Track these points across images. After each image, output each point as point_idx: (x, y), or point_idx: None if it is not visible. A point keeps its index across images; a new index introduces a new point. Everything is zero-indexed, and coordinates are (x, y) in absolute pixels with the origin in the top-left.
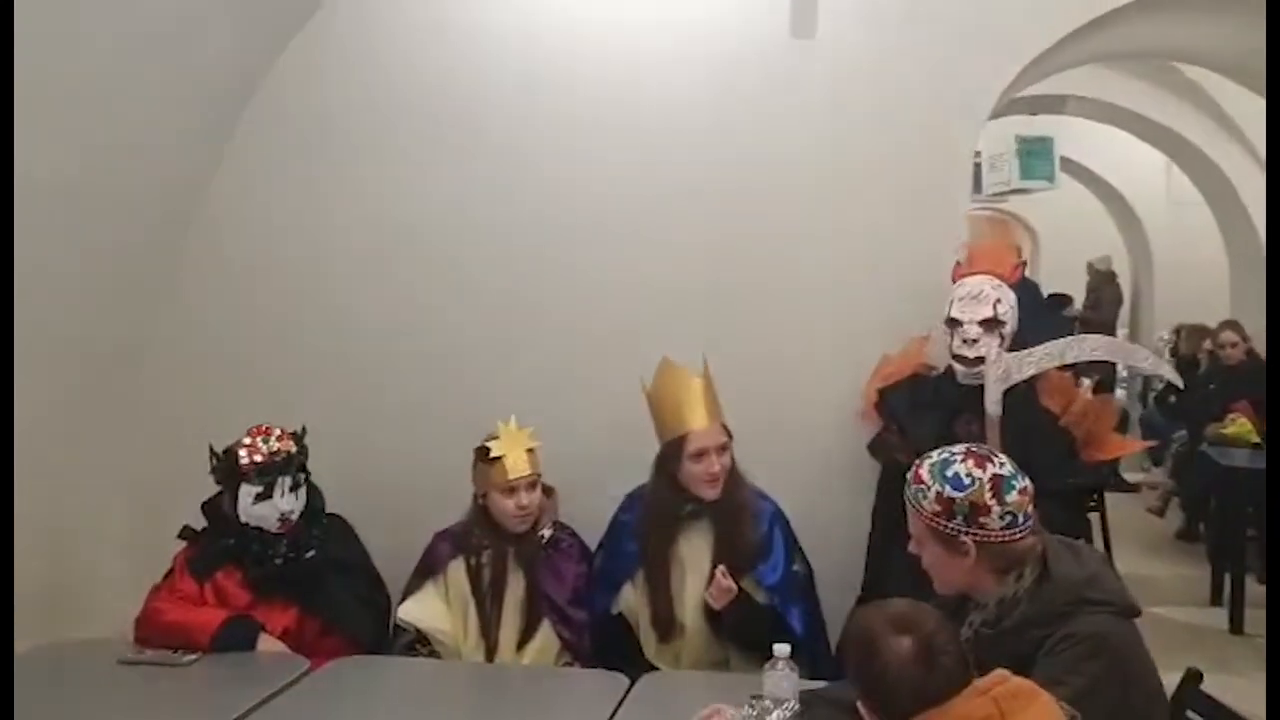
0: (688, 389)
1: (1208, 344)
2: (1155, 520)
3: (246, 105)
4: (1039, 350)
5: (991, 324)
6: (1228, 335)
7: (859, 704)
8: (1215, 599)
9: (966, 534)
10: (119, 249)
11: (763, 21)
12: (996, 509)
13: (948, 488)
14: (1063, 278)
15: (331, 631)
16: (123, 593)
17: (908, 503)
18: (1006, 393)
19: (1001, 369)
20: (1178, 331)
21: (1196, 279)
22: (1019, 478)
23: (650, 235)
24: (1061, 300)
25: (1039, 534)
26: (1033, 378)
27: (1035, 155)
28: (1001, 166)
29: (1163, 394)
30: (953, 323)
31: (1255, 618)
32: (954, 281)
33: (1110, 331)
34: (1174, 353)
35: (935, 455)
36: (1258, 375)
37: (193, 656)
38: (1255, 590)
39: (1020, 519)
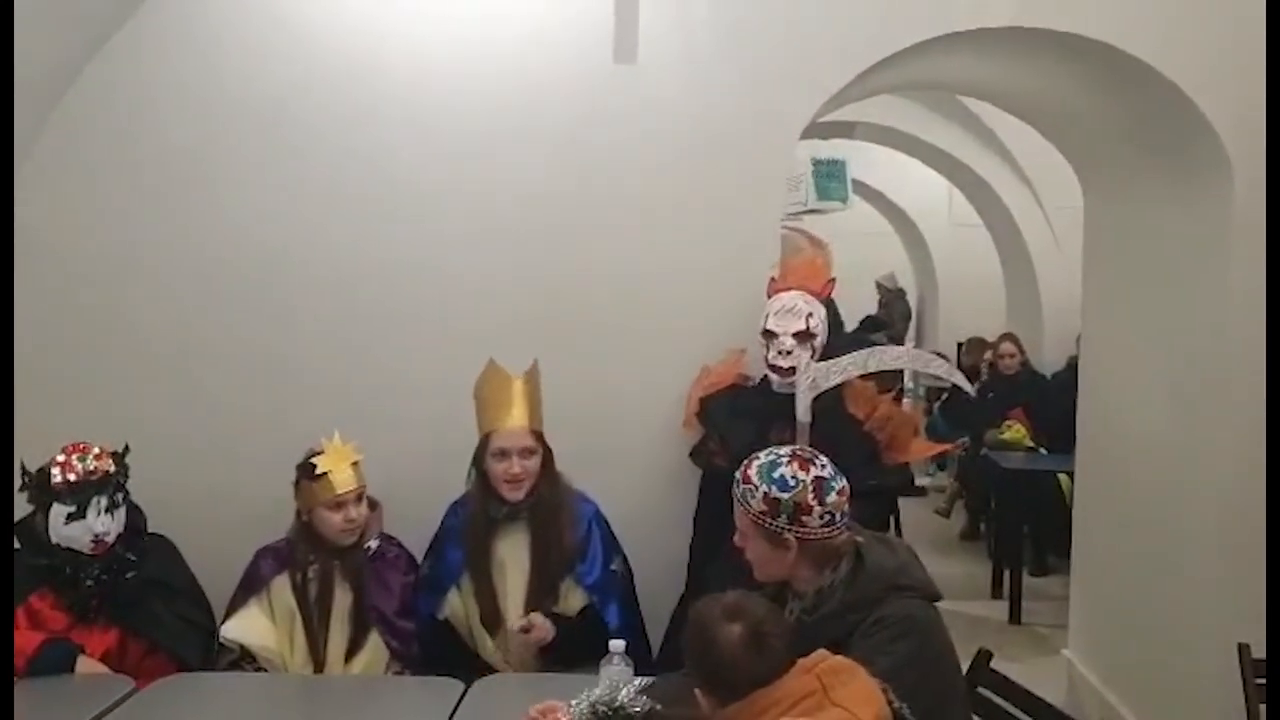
0: (504, 389)
1: (988, 355)
2: (942, 521)
3: (55, 108)
4: (844, 360)
5: (804, 336)
6: (1006, 347)
7: (696, 690)
8: (995, 593)
9: (789, 531)
10: None
11: (587, 46)
12: (818, 509)
13: (774, 488)
14: (853, 294)
15: (155, 653)
16: None
17: (736, 500)
18: (816, 400)
19: (810, 378)
20: (960, 345)
21: (976, 295)
22: (838, 479)
23: (477, 248)
24: (876, 322)
25: (854, 529)
26: (841, 387)
27: (830, 177)
28: (799, 187)
29: (946, 402)
30: (768, 335)
31: (1031, 609)
32: (769, 296)
33: (901, 345)
34: (959, 364)
35: (764, 456)
36: (1032, 384)
37: None
38: (1030, 584)
39: (838, 517)
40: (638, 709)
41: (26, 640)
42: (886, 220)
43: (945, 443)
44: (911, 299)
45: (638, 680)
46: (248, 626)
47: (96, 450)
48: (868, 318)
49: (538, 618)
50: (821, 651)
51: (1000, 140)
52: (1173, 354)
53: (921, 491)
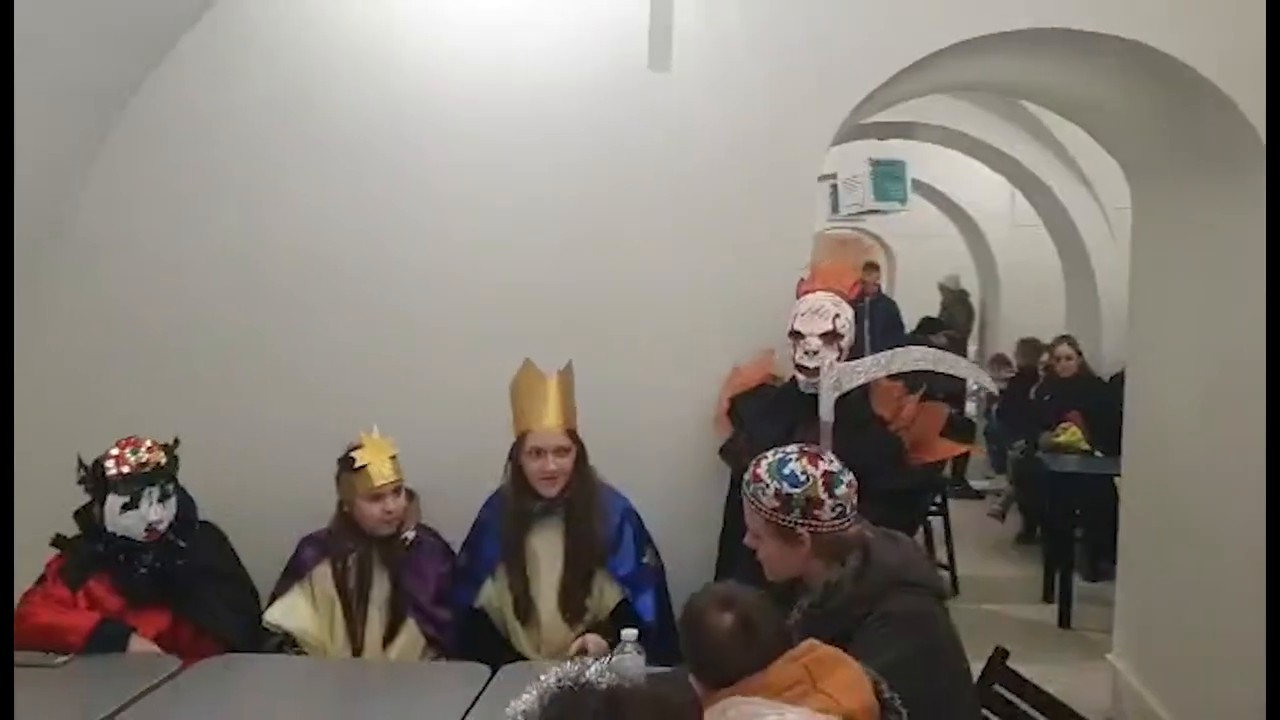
0: (540, 389)
1: (1045, 358)
2: (996, 524)
3: (115, 121)
4: (868, 360)
5: (830, 337)
6: (1063, 349)
7: (690, 676)
8: (1047, 597)
9: (802, 525)
10: None
11: (621, 54)
12: (829, 502)
13: (785, 484)
14: (916, 295)
15: (204, 635)
16: None
17: (746, 499)
18: (842, 400)
19: (833, 378)
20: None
21: (1038, 296)
22: (846, 472)
23: (514, 251)
24: (935, 323)
25: (862, 524)
26: (867, 387)
27: (889, 177)
28: (857, 188)
29: (1003, 406)
30: (795, 335)
31: (1082, 613)
32: (798, 297)
33: (963, 347)
34: (1016, 366)
35: (771, 455)
36: (1088, 386)
37: (65, 658)
38: (1083, 588)
39: (848, 509)
40: (603, 684)
41: (84, 620)
42: (949, 220)
43: (1002, 447)
44: (974, 300)
45: (656, 669)
46: (290, 612)
47: (148, 443)
48: (926, 318)
49: (591, 641)
50: (810, 642)
51: (1058, 140)
52: (1216, 355)
53: (979, 494)
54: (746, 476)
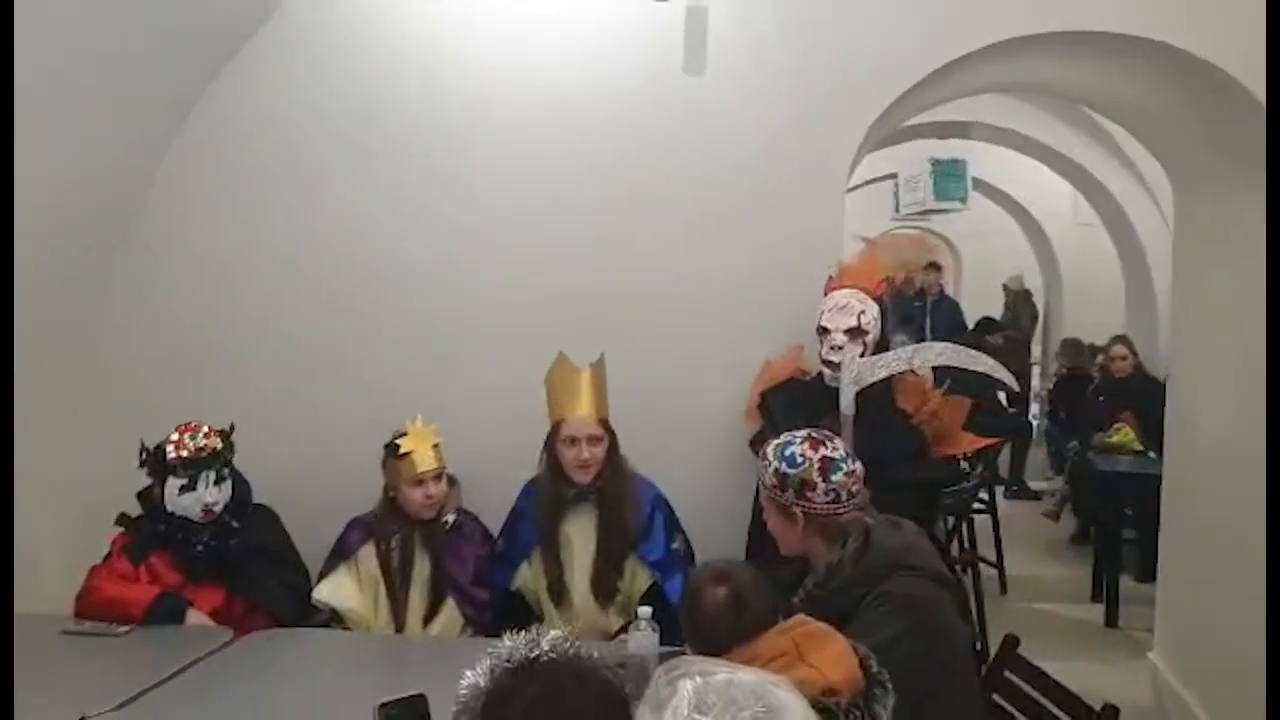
0: (573, 380)
1: (1100, 358)
2: (1051, 524)
3: (180, 127)
4: (888, 355)
5: (855, 332)
6: (1117, 349)
7: (687, 646)
8: (1096, 597)
9: (796, 505)
10: (56, 261)
11: (656, 59)
12: (822, 485)
13: (784, 465)
14: (982, 295)
15: (255, 610)
16: (63, 573)
17: (758, 478)
18: (866, 394)
19: (854, 373)
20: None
21: (1100, 296)
22: (848, 461)
23: (553, 248)
24: (993, 323)
25: (865, 510)
26: (891, 381)
27: (948, 176)
28: (917, 187)
29: (1054, 406)
30: (822, 331)
31: (1130, 613)
32: (825, 295)
33: (1026, 348)
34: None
35: (782, 438)
36: (1143, 387)
37: (126, 628)
38: (1134, 588)
39: (844, 496)
40: (554, 655)
41: (145, 593)
42: (1013, 219)
43: (1059, 448)
44: (1038, 300)
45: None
46: (337, 590)
47: (205, 429)
48: (984, 319)
49: None
50: (800, 617)
51: (1115, 140)
52: (1253, 356)
53: (1037, 495)
54: (759, 456)
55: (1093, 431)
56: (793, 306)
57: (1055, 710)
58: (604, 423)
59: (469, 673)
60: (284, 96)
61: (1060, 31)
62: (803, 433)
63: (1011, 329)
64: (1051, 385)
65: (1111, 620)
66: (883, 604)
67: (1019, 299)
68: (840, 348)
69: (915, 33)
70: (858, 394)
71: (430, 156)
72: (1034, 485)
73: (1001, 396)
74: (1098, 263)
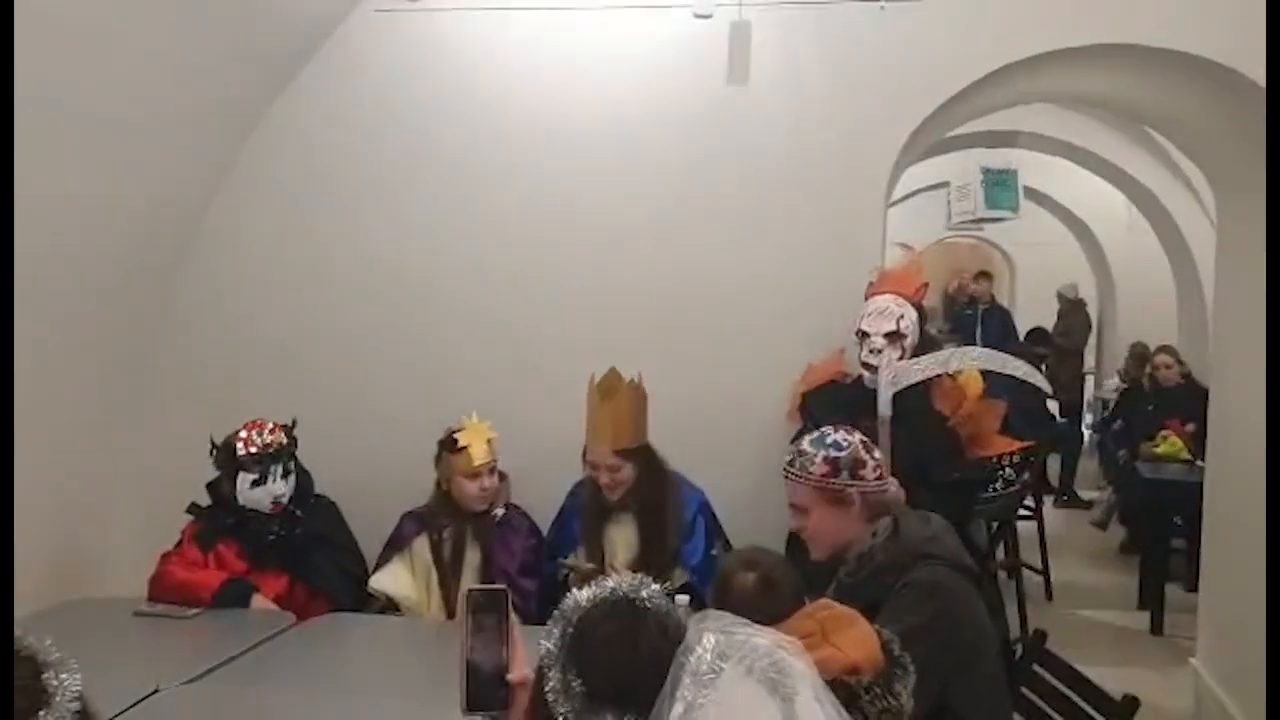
0: (597, 412)
1: (1148, 367)
2: (1100, 533)
3: (247, 138)
4: (925, 359)
5: (894, 336)
6: (1162, 358)
7: None
8: (1143, 604)
9: (850, 486)
10: (129, 267)
11: (702, 71)
12: (870, 462)
13: (830, 450)
14: (1037, 303)
15: (317, 596)
16: (137, 559)
17: (791, 478)
18: (905, 396)
19: (891, 375)
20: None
21: (1155, 305)
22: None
23: (603, 257)
24: (1042, 334)
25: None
26: (929, 385)
27: (999, 185)
28: (968, 196)
29: (1109, 417)
30: (862, 335)
31: (1176, 621)
32: (866, 300)
33: (1080, 357)
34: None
35: (813, 434)
36: (1192, 396)
37: (196, 610)
38: (1182, 597)
39: (884, 472)
40: (647, 602)
41: (213, 578)
42: (1067, 228)
43: (1110, 457)
44: (1092, 309)
45: None
46: (392, 579)
47: (271, 425)
48: (1035, 329)
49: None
50: (825, 601)
51: (1164, 148)
52: None
53: (1088, 504)
54: (788, 457)
55: (1143, 441)
56: (834, 310)
57: (1080, 702)
58: (624, 452)
59: (574, 592)
60: (348, 110)
61: (1097, 44)
62: (827, 427)
63: (1065, 338)
64: (1118, 394)
65: (1157, 627)
66: (909, 592)
67: (1073, 308)
68: (879, 351)
69: (952, 46)
70: (897, 396)
71: (491, 170)
72: (1085, 495)
73: (1052, 406)
74: (1151, 271)
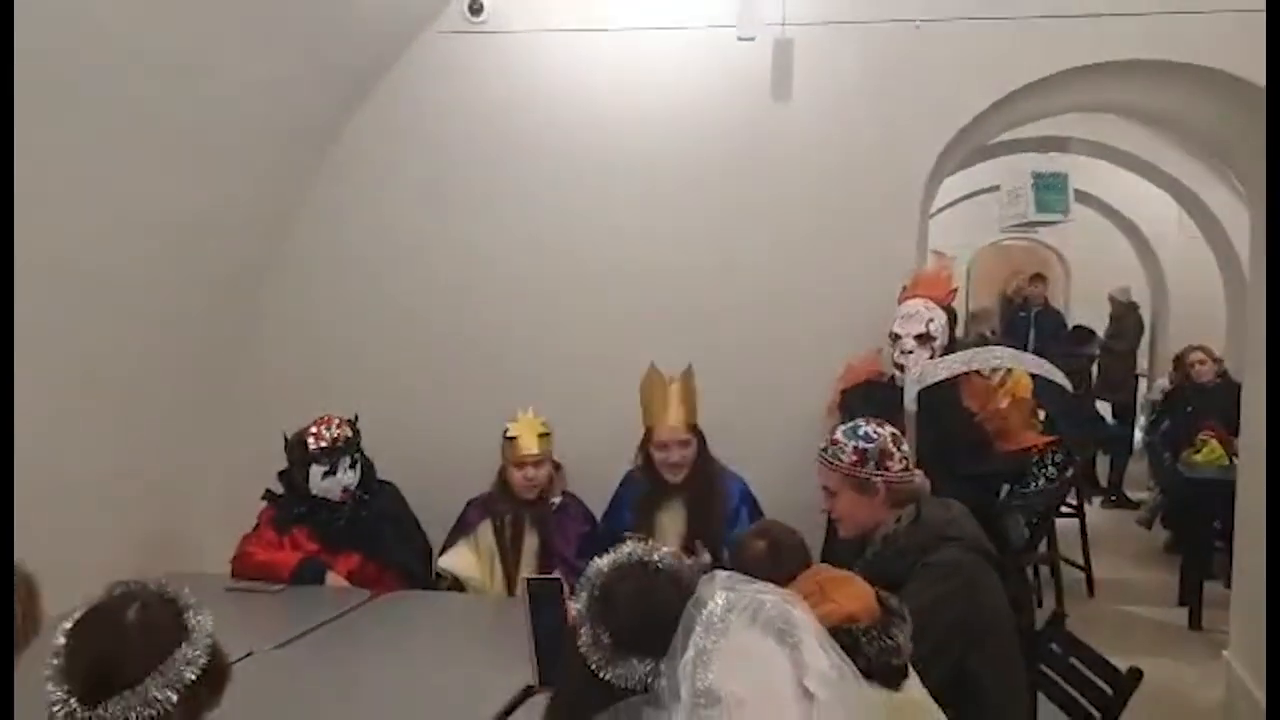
0: (663, 391)
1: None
2: (1145, 532)
3: (327, 151)
4: (950, 358)
5: (924, 338)
6: (1195, 355)
7: None
8: (1183, 600)
9: (876, 476)
10: (217, 275)
11: (749, 88)
12: (897, 454)
13: (860, 442)
14: (1091, 306)
15: (387, 572)
16: (220, 541)
17: (823, 464)
18: (934, 392)
19: (917, 373)
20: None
21: (1207, 309)
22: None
23: (656, 263)
24: (1085, 333)
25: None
26: (959, 381)
27: (1049, 189)
28: (1019, 200)
29: (1155, 419)
30: (894, 337)
31: (1213, 616)
32: (899, 303)
33: (1132, 358)
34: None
35: (846, 425)
36: (1228, 393)
37: (279, 587)
38: (1221, 593)
39: (909, 464)
40: (660, 564)
41: (290, 558)
42: (1119, 232)
43: (1157, 459)
44: (1145, 312)
45: None
46: (458, 560)
47: (337, 420)
48: (1077, 327)
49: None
50: (821, 565)
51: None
52: None
53: (1135, 504)
54: (822, 444)
55: (1184, 444)
56: (872, 314)
57: (1091, 675)
58: (692, 427)
59: (598, 559)
60: (423, 125)
61: (1122, 61)
62: (860, 419)
63: (1116, 339)
64: (1162, 396)
65: (1195, 622)
66: (930, 570)
67: (1125, 311)
68: (910, 352)
69: (987, 62)
70: (926, 392)
71: (549, 182)
72: (1134, 495)
73: (1104, 408)
74: (1203, 275)
